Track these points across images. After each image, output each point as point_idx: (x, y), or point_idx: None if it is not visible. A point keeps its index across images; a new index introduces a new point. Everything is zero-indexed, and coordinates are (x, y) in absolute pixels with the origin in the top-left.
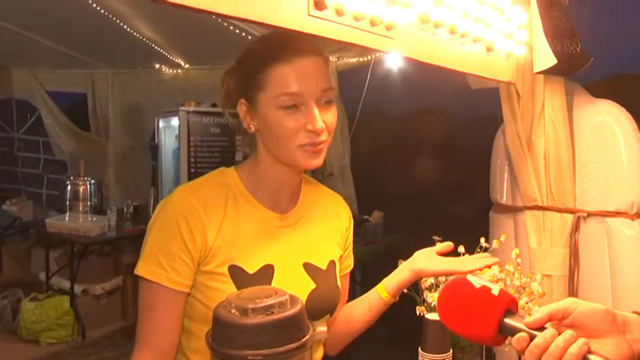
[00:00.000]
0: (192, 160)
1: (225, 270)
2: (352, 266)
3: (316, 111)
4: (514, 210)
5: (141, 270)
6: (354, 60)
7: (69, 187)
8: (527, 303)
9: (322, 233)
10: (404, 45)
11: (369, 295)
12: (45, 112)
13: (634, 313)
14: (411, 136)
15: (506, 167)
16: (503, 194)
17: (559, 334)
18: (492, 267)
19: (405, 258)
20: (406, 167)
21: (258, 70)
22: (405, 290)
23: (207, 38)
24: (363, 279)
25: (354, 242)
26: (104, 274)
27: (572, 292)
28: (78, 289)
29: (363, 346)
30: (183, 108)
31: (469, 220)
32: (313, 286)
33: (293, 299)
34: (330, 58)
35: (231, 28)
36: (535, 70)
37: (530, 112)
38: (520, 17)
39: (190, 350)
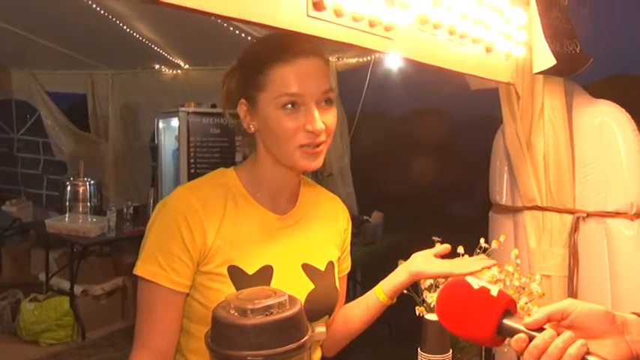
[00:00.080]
0: (192, 160)
1: (225, 270)
2: (350, 268)
3: (316, 112)
4: (513, 210)
5: (140, 270)
6: (354, 60)
7: (69, 188)
8: (526, 303)
9: (321, 234)
10: (403, 46)
11: (367, 296)
12: (45, 113)
13: (633, 314)
14: (411, 137)
15: (506, 168)
16: (502, 195)
17: (558, 334)
18: (491, 268)
19: (405, 258)
20: (406, 168)
21: (259, 70)
22: (405, 291)
23: (207, 39)
24: (363, 279)
25: (354, 243)
26: (104, 274)
27: (572, 292)
28: (78, 289)
29: (362, 346)
30: (183, 109)
31: (469, 221)
32: (312, 287)
33: (292, 300)
34: (330, 59)
35: (231, 28)
36: (534, 71)
37: (529, 113)
38: (519, 18)
39: (189, 351)
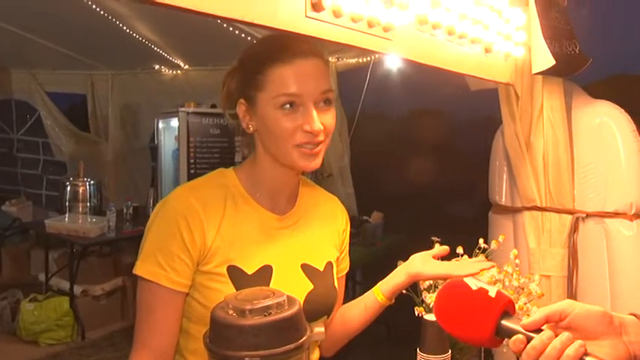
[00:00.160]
0: (192, 161)
1: (224, 270)
2: (348, 268)
3: (314, 112)
4: (513, 211)
5: (140, 270)
6: (354, 61)
7: (68, 188)
8: (525, 304)
9: (320, 235)
10: (402, 46)
11: (366, 297)
12: (44, 113)
13: (631, 315)
14: (411, 137)
15: (505, 168)
16: (502, 195)
17: (556, 336)
18: (490, 269)
19: (405, 259)
20: (405, 168)
21: (258, 70)
22: (404, 291)
23: (206, 39)
24: (363, 279)
25: (354, 243)
26: (104, 274)
27: (571, 292)
28: (77, 289)
29: (361, 346)
30: (182, 109)
31: (468, 221)
32: (311, 287)
33: (290, 300)
34: (330, 59)
35: (231, 29)
36: (534, 71)
37: (528, 113)
38: (518, 18)
39: (188, 351)
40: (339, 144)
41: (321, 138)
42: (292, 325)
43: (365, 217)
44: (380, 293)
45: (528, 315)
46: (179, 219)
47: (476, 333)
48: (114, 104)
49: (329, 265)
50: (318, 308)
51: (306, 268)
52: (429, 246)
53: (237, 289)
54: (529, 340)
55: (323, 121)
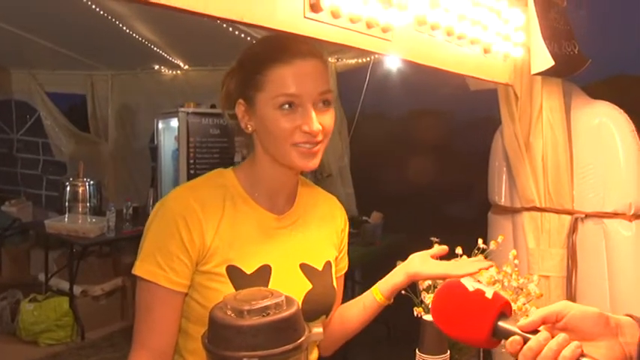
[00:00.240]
0: (192, 161)
1: (223, 270)
2: (347, 268)
3: (313, 112)
4: (512, 211)
5: (139, 270)
6: (353, 61)
7: (68, 189)
8: (524, 304)
9: (318, 234)
10: (401, 47)
11: (364, 296)
12: (44, 114)
13: (627, 315)
14: (410, 138)
15: (505, 168)
16: (501, 195)
17: (552, 337)
18: (490, 269)
19: (404, 259)
20: (405, 168)
21: (258, 70)
22: (403, 291)
23: (206, 39)
24: (362, 279)
25: (353, 243)
26: (103, 275)
27: (570, 293)
28: (77, 290)
29: (360, 346)
30: (182, 109)
31: (468, 221)
32: (310, 286)
33: (289, 300)
34: (329, 59)
35: (230, 29)
36: (533, 72)
37: (528, 114)
38: (517, 19)
39: (187, 352)
40: (339, 144)
41: (319, 138)
42: (290, 325)
43: (364, 217)
44: (379, 293)
45: (527, 315)
46: (178, 219)
47: (473, 334)
48: (114, 104)
49: (327, 264)
50: (316, 308)
51: (305, 268)
52: (429, 246)
53: (236, 289)
54: (526, 341)
55: (322, 121)
